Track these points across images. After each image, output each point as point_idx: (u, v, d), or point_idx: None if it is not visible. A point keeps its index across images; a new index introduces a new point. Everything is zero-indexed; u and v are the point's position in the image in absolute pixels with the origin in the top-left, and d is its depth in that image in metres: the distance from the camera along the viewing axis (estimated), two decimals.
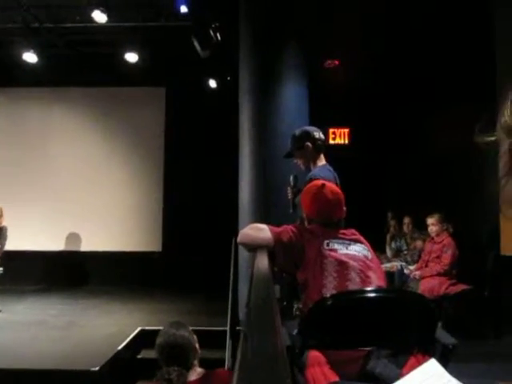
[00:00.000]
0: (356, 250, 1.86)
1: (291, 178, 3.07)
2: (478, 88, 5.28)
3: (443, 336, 1.76)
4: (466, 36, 5.47)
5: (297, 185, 3.05)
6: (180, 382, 1.92)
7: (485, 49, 5.07)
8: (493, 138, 0.99)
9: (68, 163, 7.53)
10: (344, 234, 1.93)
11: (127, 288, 6.79)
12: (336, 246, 1.85)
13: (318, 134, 2.94)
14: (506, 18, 4.78)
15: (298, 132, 2.99)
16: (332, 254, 1.82)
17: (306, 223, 2.06)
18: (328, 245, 1.84)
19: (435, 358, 1.59)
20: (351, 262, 1.80)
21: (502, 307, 4.57)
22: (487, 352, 4.15)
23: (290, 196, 3.05)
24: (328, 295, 1.65)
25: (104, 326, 4.96)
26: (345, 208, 2.02)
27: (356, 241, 1.91)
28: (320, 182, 2.06)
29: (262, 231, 1.97)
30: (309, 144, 2.88)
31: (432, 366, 1.30)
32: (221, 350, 4.28)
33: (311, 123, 4.55)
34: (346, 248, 1.85)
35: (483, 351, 4.09)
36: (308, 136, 2.90)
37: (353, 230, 1.97)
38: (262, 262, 1.60)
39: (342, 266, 1.78)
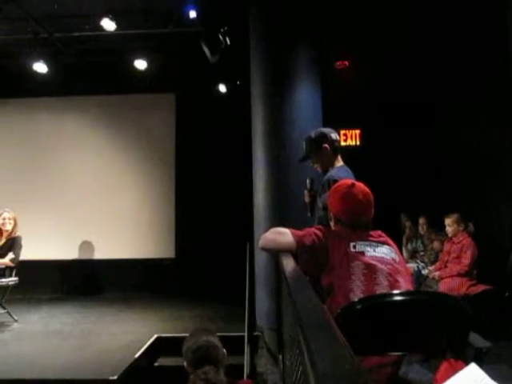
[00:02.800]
0: (384, 253, 1.79)
1: (308, 181, 3.00)
2: (491, 86, 5.21)
3: (476, 339, 1.71)
4: (479, 35, 5.40)
5: (313, 188, 3.00)
6: (217, 381, 1.88)
7: (498, 48, 4.99)
8: None
9: (80, 172, 7.56)
10: (371, 235, 1.87)
11: (142, 295, 6.78)
12: (363, 249, 1.78)
13: (335, 136, 2.90)
14: None
15: (313, 134, 2.92)
16: (359, 256, 1.75)
17: (332, 224, 2.00)
18: (355, 247, 1.78)
19: (468, 361, 1.54)
20: (379, 265, 1.73)
21: None
22: (510, 353, 4.06)
23: (307, 199, 2.99)
24: (356, 300, 1.60)
25: (120, 334, 4.94)
26: (373, 210, 1.95)
27: (383, 243, 1.84)
28: (349, 181, 1.99)
29: (283, 235, 1.93)
30: (326, 146, 2.84)
31: (473, 371, 1.26)
32: (238, 355, 4.24)
33: (323, 125, 4.51)
34: (374, 250, 1.78)
35: (506, 353, 4.00)
36: (325, 137, 2.86)
37: (379, 232, 1.90)
38: (290, 264, 1.56)
39: (370, 269, 1.72)
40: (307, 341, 0.62)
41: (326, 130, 2.94)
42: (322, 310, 0.82)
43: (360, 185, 1.95)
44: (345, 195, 1.92)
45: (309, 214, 2.98)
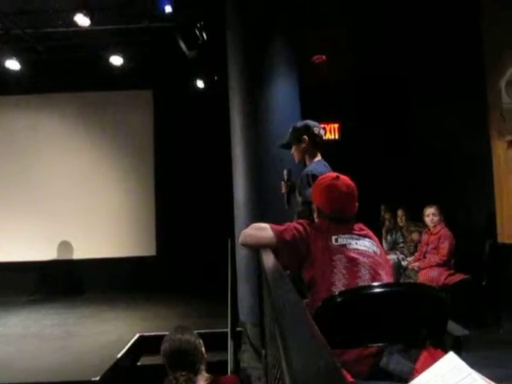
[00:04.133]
0: (365, 246, 1.80)
1: (285, 171, 3.05)
2: (467, 79, 5.30)
3: (454, 328, 1.74)
4: (454, 30, 5.48)
5: (291, 179, 3.04)
6: None
7: (473, 43, 5.08)
8: None
9: (57, 171, 7.41)
10: (353, 229, 1.87)
11: (123, 294, 6.71)
12: (345, 242, 1.78)
13: (318, 130, 2.91)
14: (493, 10, 4.79)
15: (298, 124, 2.98)
16: (341, 250, 1.75)
17: (315, 216, 2.00)
18: (337, 240, 1.78)
19: (447, 350, 1.57)
20: (361, 259, 1.74)
21: (501, 295, 4.58)
22: (488, 340, 4.16)
23: (284, 190, 3.03)
24: (336, 292, 1.60)
25: (102, 335, 4.88)
26: (357, 203, 1.95)
27: (365, 236, 1.85)
28: (334, 174, 1.99)
29: (263, 230, 1.93)
30: (306, 137, 2.87)
31: (451, 359, 1.28)
32: (222, 351, 4.24)
33: (302, 119, 4.52)
34: (356, 243, 1.79)
35: (484, 339, 4.09)
36: (307, 130, 2.88)
37: (361, 225, 1.91)
38: (270, 260, 1.56)
39: (352, 262, 1.72)
40: (283, 336, 0.62)
41: (312, 123, 2.96)
42: (300, 305, 0.82)
43: (344, 178, 1.95)
44: (329, 187, 1.92)
45: (286, 206, 3.01)
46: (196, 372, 2.00)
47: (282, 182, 3.04)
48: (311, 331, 0.63)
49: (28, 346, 4.59)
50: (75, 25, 5.74)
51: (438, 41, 5.87)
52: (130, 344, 4.47)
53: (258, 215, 4.41)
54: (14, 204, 7.20)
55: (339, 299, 1.54)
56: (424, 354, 1.57)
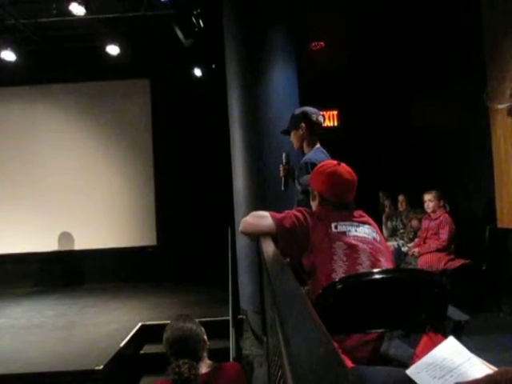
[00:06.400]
0: (365, 233, 1.80)
1: (284, 155, 3.07)
2: (466, 63, 5.25)
3: (454, 312, 1.75)
4: (451, 10, 5.42)
5: (289, 162, 3.06)
6: (191, 375, 1.88)
7: (472, 23, 5.03)
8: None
9: (55, 162, 7.39)
10: (353, 215, 1.88)
11: (125, 284, 6.75)
12: (345, 229, 1.78)
13: (316, 117, 2.90)
14: None
15: (297, 111, 2.99)
16: (341, 237, 1.75)
17: (315, 204, 1.99)
18: (336, 227, 1.78)
19: (447, 334, 1.58)
20: (361, 245, 1.74)
21: (501, 280, 4.61)
22: (488, 325, 4.19)
23: (282, 173, 3.04)
24: (337, 279, 1.61)
25: (104, 324, 4.92)
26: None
27: (365, 222, 1.85)
28: (335, 161, 1.99)
29: (263, 218, 1.92)
30: (303, 125, 2.86)
31: (451, 344, 1.29)
32: (223, 339, 4.28)
33: (301, 106, 4.50)
34: (356, 230, 1.79)
35: (485, 324, 4.13)
36: (305, 117, 2.88)
37: (360, 212, 1.91)
38: (269, 248, 1.56)
39: (352, 249, 1.72)
40: (282, 323, 0.62)
41: (311, 110, 2.95)
42: (299, 293, 0.82)
43: (345, 165, 1.96)
44: (331, 174, 1.92)
45: (282, 188, 3.03)
46: (198, 359, 2.01)
47: (281, 165, 3.06)
48: (311, 318, 0.63)
49: (31, 337, 4.62)
50: (71, 14, 5.69)
51: (436, 25, 5.81)
52: (132, 333, 4.50)
53: (257, 202, 4.41)
54: (13, 196, 7.19)
55: (339, 286, 1.55)
56: (424, 339, 1.58)
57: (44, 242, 7.24)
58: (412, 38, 6.19)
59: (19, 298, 6.43)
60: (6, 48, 6.41)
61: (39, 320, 5.26)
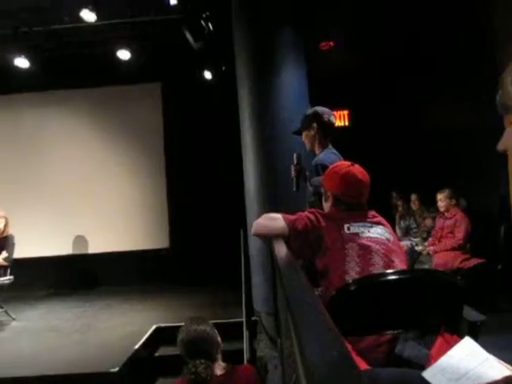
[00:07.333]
0: (378, 233, 1.79)
1: (294, 155, 3.04)
2: (478, 61, 5.20)
3: (470, 313, 1.73)
4: (464, 9, 5.36)
5: (300, 163, 3.04)
6: (207, 375, 1.90)
7: (484, 22, 4.97)
8: None
9: (69, 166, 7.48)
10: (366, 216, 1.87)
11: (139, 287, 6.79)
12: (358, 230, 1.78)
13: (328, 117, 2.89)
14: None
15: (309, 111, 2.97)
16: (354, 238, 1.75)
17: (328, 206, 1.99)
18: (349, 229, 1.78)
19: (462, 335, 1.56)
20: (374, 246, 1.73)
21: None
22: (504, 325, 4.13)
23: (293, 174, 3.03)
24: (350, 281, 1.60)
25: (119, 327, 4.96)
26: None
27: (378, 223, 1.84)
28: (348, 162, 2.00)
29: (275, 220, 1.92)
30: (315, 125, 2.85)
31: (467, 345, 1.27)
32: (237, 341, 4.28)
33: (312, 106, 4.49)
34: (369, 231, 1.78)
35: (500, 324, 4.06)
36: (317, 117, 2.86)
37: (373, 212, 1.90)
38: (282, 250, 1.56)
39: (365, 250, 1.72)
40: (296, 326, 0.62)
41: (322, 110, 2.94)
42: (312, 295, 0.82)
43: (358, 166, 1.96)
44: (345, 174, 1.92)
45: (294, 189, 3.01)
46: (213, 361, 2.02)
47: (292, 166, 3.04)
48: (324, 321, 0.63)
49: (47, 340, 4.68)
50: (81, 21, 5.75)
51: (448, 22, 5.76)
52: (147, 335, 4.53)
53: (269, 203, 4.41)
54: (28, 201, 7.28)
55: (353, 287, 1.54)
56: (439, 340, 1.56)
57: (59, 246, 7.32)
58: (423, 35, 6.14)
59: (36, 301, 6.51)
60: (19, 55, 6.51)
61: (55, 323, 5.32)
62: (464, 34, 5.44)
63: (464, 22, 5.41)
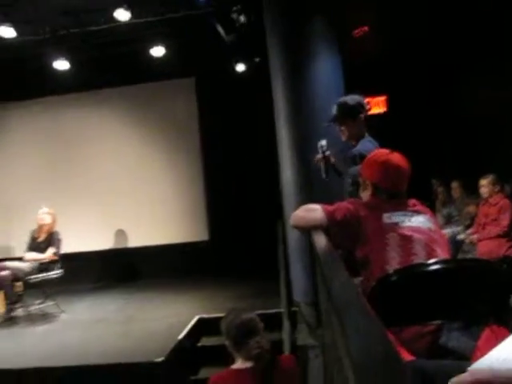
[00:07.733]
0: (420, 222, 1.75)
1: (320, 144, 3.00)
2: None
3: None
4: None
5: (325, 151, 2.99)
6: (269, 348, 1.96)
7: None
8: None
9: (110, 163, 7.71)
10: (406, 205, 1.83)
11: (180, 279, 6.94)
12: (398, 219, 1.74)
13: (367, 106, 2.84)
14: None
15: (350, 101, 2.83)
16: (394, 227, 1.71)
17: (366, 195, 1.96)
18: (390, 218, 1.74)
19: (510, 326, 1.51)
20: (415, 235, 1.69)
21: None
22: None
23: (320, 162, 3.00)
24: (391, 271, 1.58)
25: (162, 318, 5.09)
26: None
27: (419, 212, 1.80)
28: (386, 150, 1.96)
29: (314, 212, 1.91)
30: (362, 116, 2.79)
31: None
32: (277, 331, 4.31)
33: (346, 94, 4.41)
34: (410, 220, 1.74)
35: None
36: (363, 107, 2.80)
37: (414, 201, 1.85)
38: (321, 241, 1.56)
39: (406, 239, 1.68)
40: (340, 320, 0.62)
41: (361, 98, 2.87)
42: (353, 286, 0.82)
43: (398, 153, 1.92)
44: (384, 162, 1.89)
45: (323, 175, 2.98)
46: None
47: (319, 155, 3.00)
48: (367, 314, 0.63)
49: (94, 331, 4.86)
50: (116, 20, 5.88)
51: (484, 5, 5.51)
52: (189, 326, 4.64)
53: (306, 194, 4.40)
54: (75, 199, 7.57)
55: (394, 278, 1.52)
56: (486, 332, 1.52)
57: (104, 241, 7.59)
58: (461, 17, 5.90)
59: (82, 294, 6.77)
60: (59, 58, 6.72)
61: (101, 315, 5.52)
62: (504, 15, 5.20)
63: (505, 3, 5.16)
